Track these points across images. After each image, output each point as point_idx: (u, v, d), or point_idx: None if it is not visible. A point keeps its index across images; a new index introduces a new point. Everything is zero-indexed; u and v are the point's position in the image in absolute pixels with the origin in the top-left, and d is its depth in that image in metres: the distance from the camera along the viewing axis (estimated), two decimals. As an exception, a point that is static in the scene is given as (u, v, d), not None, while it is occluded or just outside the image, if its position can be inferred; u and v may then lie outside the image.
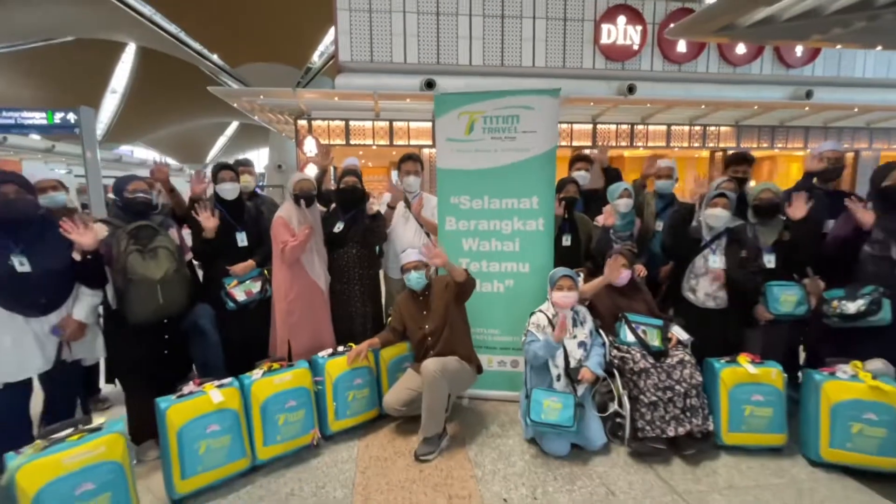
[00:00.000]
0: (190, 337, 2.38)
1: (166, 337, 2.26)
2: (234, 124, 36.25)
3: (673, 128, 11.35)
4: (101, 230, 2.03)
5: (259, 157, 38.91)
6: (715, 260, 2.41)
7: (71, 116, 9.45)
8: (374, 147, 10.65)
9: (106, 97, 30.47)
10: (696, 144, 11.48)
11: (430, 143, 10.67)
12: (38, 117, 9.37)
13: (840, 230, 2.30)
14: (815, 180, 2.67)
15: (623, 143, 11.33)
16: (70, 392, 2.10)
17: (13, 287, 1.80)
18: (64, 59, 25.19)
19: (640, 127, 11.28)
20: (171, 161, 35.69)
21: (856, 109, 10.21)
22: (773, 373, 2.20)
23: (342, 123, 10.23)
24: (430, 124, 10.67)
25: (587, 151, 12.11)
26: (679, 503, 1.88)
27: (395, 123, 10.44)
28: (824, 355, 2.21)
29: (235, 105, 10.09)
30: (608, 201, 2.82)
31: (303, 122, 10.01)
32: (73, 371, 2.08)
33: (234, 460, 1.96)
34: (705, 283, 2.44)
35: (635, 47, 11.26)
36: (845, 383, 2.03)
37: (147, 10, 18.36)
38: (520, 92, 2.64)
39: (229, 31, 19.44)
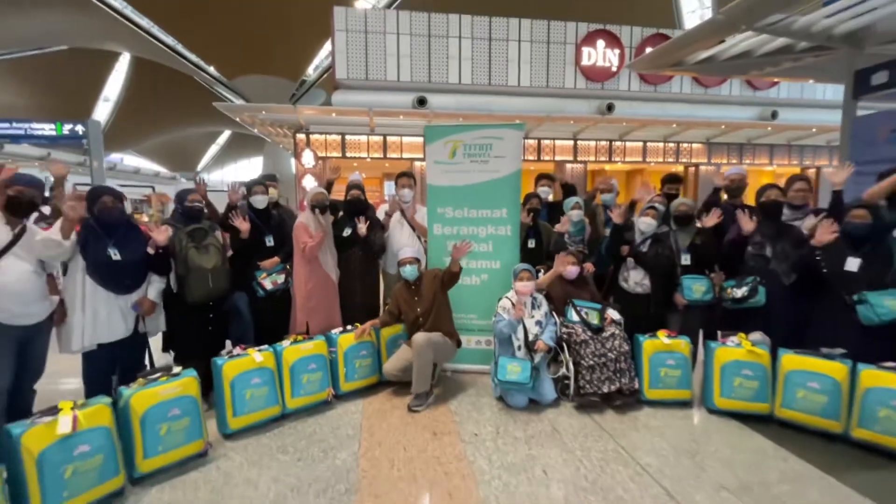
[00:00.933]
0: (229, 316, 3.03)
1: (211, 316, 2.91)
2: (226, 133, 36.80)
3: (649, 144, 12.25)
4: (168, 230, 2.68)
5: (251, 166, 39.44)
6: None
7: (79, 128, 10.00)
8: (369, 160, 11.35)
9: (98, 105, 30.79)
10: (671, 160, 12.39)
11: (421, 156, 11.39)
12: (48, 128, 9.91)
13: (732, 234, 3.04)
14: (723, 196, 3.43)
15: (602, 158, 12.18)
16: (138, 356, 2.72)
17: (108, 271, 2.45)
18: (57, 68, 25.57)
19: (618, 143, 12.15)
20: (162, 169, 36.05)
21: (814, 129, 11.19)
22: (682, 343, 2.91)
23: (339, 137, 10.93)
24: (421, 139, 11.39)
25: (562, 169, 12.98)
26: (605, 437, 2.56)
27: (388, 138, 11.17)
28: (722, 329, 2.92)
29: (238, 119, 10.73)
30: (565, 212, 3.55)
31: (301, 136, 10.67)
32: (142, 340, 2.71)
33: (270, 406, 2.60)
34: (635, 275, 3.16)
35: (614, 69, 12.16)
36: (731, 349, 2.75)
37: (145, 22, 18.97)
38: (492, 126, 3.36)
39: (226, 44, 20.12)
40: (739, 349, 2.73)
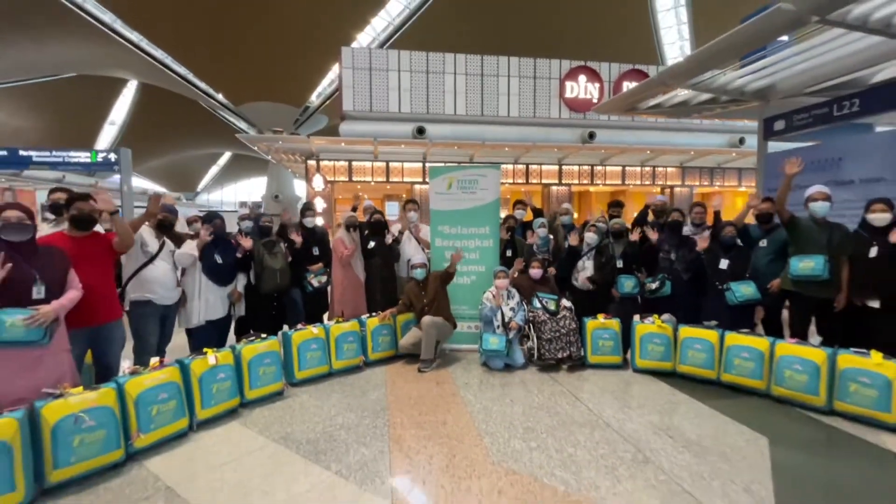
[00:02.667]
0: (286, 306, 4.24)
1: (275, 304, 4.12)
2: (227, 155, 38.35)
3: (627, 168, 13.68)
4: (250, 241, 3.90)
5: (251, 186, 40.91)
6: (587, 265, 4.39)
7: (112, 155, 11.27)
8: (373, 183, 12.69)
9: (104, 129, 32.13)
10: (647, 182, 13.82)
11: (419, 180, 12.76)
12: (84, 156, 11.18)
13: (654, 242, 4.30)
14: (651, 215, 4.71)
15: (585, 181, 13.58)
16: (225, 331, 3.91)
17: (216, 270, 3.68)
18: (65, 94, 26.97)
19: (599, 168, 13.58)
20: (163, 189, 37.29)
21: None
22: (614, 322, 4.13)
23: (346, 164, 12.28)
24: (420, 164, 12.79)
25: (548, 194, 14.24)
26: (556, 385, 3.75)
27: (391, 164, 12.53)
28: (642, 313, 4.15)
29: (256, 148, 12.09)
30: (534, 229, 4.82)
31: (312, 162, 12.01)
32: (229, 321, 3.91)
33: (322, 365, 3.79)
34: (582, 276, 4.41)
35: (594, 100, 13.67)
36: (647, 325, 3.97)
37: (159, 53, 20.54)
38: (478, 166, 4.67)
39: (234, 73, 21.71)
40: (652, 325, 3.96)
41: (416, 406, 3.33)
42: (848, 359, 3.03)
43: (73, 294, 2.55)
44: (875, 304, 3.30)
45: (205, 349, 3.09)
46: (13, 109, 27.31)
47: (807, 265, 3.51)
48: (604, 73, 13.68)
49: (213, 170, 40.32)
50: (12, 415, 2.11)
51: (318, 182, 11.69)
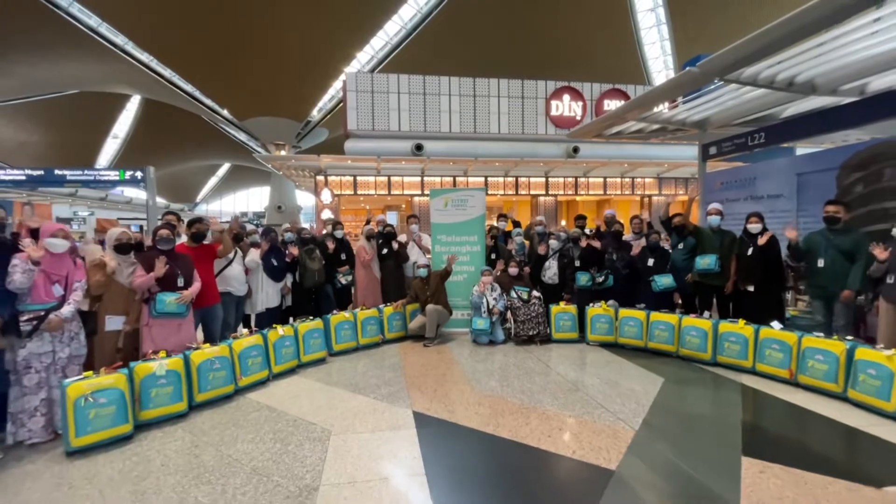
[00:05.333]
0: (322, 297, 5.63)
1: (314, 296, 5.51)
2: (226, 166, 39.79)
3: (609, 180, 15.19)
4: (297, 249, 5.30)
5: (250, 197, 42.31)
6: (552, 264, 5.82)
7: (138, 173, 12.66)
8: (375, 196, 14.12)
9: (107, 142, 33.43)
10: (627, 192, 15.32)
11: (418, 192, 14.19)
12: (113, 175, 12.56)
13: (601, 247, 5.73)
14: (603, 226, 6.15)
15: (570, 192, 15.07)
16: (278, 316, 5.29)
17: (272, 270, 5.07)
18: (69, 109, 28.31)
19: (583, 179, 15.08)
20: (162, 200, 38.52)
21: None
22: (572, 307, 5.54)
23: (351, 178, 13.72)
24: (418, 178, 14.23)
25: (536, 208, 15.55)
26: (528, 353, 5.14)
27: (392, 178, 13.98)
28: (592, 300, 5.56)
29: (270, 165, 13.50)
30: (512, 237, 6.24)
31: (320, 178, 13.44)
32: (282, 308, 5.30)
33: (352, 341, 5.18)
34: (549, 273, 5.83)
35: (578, 118, 15.21)
36: (596, 308, 5.38)
37: (168, 72, 22.00)
38: (467, 189, 6.09)
39: (238, 90, 23.20)
40: (600, 308, 5.37)
41: (423, 367, 4.72)
42: (725, 325, 4.46)
43: (197, 285, 3.94)
44: (751, 288, 4.74)
45: (275, 325, 4.49)
46: (19, 125, 28.69)
47: (705, 262, 4.94)
48: (586, 92, 15.23)
49: (213, 180, 41.67)
50: (122, 371, 3.29)
51: (326, 195, 13.11)
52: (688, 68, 5.38)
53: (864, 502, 2.29)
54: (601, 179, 15.17)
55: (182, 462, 2.78)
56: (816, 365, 3.73)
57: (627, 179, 15.30)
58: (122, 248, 3.69)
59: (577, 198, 16.28)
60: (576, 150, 14.67)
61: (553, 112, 15.05)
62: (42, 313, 3.00)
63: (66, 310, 3.10)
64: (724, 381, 4.19)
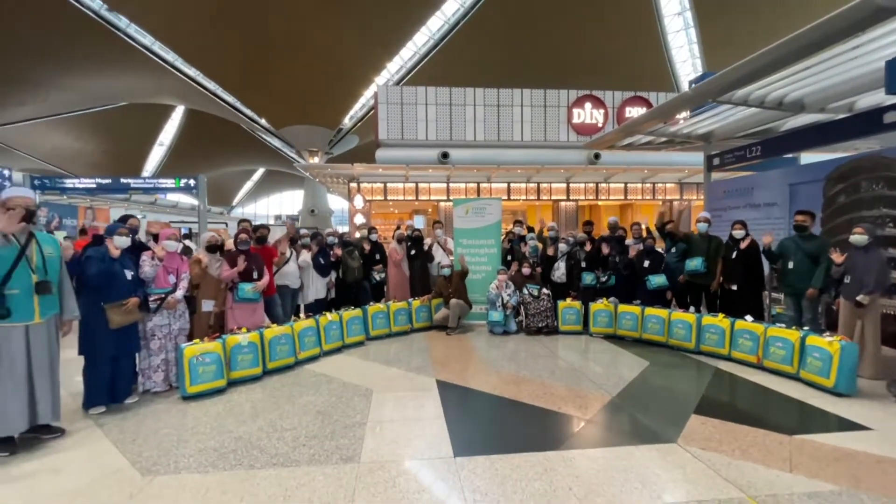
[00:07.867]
0: (360, 291, 6.67)
1: (353, 290, 6.56)
2: (261, 171, 42.03)
3: (630, 185, 15.76)
4: (340, 250, 6.36)
5: (283, 200, 44.47)
6: (560, 265, 6.67)
7: (191, 181, 14.13)
8: (404, 201, 15.19)
9: (153, 150, 35.96)
10: (649, 197, 15.84)
11: (444, 197, 15.18)
12: (169, 182, 14.09)
13: (606, 252, 6.54)
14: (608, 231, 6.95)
15: (590, 197, 15.73)
16: (325, 307, 6.35)
17: (320, 267, 6.14)
18: (119, 120, 30.68)
19: (604, 185, 15.71)
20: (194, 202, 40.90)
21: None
22: (578, 304, 6.37)
23: (381, 185, 14.86)
24: (444, 185, 15.22)
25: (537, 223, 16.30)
26: (537, 342, 6.01)
27: (419, 185, 15.02)
28: (596, 298, 6.38)
29: (307, 173, 14.79)
30: (527, 241, 7.13)
31: (353, 185, 14.62)
32: (327, 299, 6.36)
33: (384, 328, 6.19)
34: (558, 272, 6.68)
35: (599, 125, 15.86)
36: (599, 304, 6.20)
37: (212, 85, 23.83)
38: (485, 199, 7.03)
39: (275, 101, 24.87)
40: (602, 304, 6.18)
41: (445, 350, 5.67)
42: (706, 319, 5.22)
43: (267, 278, 5.02)
44: (734, 287, 5.46)
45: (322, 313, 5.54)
46: (76, 135, 31.41)
47: (693, 264, 5.69)
48: (608, 100, 15.87)
49: (248, 185, 44.02)
50: (219, 341, 4.52)
51: (358, 201, 14.28)
52: (684, 90, 6.14)
53: (773, 442, 3.09)
54: (622, 185, 15.76)
55: (267, 405, 3.83)
56: (777, 351, 4.46)
57: (648, 185, 15.83)
58: (211, 248, 4.81)
59: (599, 202, 16.90)
60: (597, 156, 15.32)
61: (575, 120, 15.75)
62: (163, 295, 4.11)
63: (179, 293, 4.22)
64: (702, 365, 4.95)
